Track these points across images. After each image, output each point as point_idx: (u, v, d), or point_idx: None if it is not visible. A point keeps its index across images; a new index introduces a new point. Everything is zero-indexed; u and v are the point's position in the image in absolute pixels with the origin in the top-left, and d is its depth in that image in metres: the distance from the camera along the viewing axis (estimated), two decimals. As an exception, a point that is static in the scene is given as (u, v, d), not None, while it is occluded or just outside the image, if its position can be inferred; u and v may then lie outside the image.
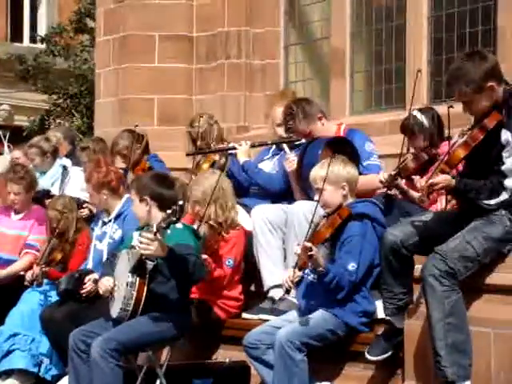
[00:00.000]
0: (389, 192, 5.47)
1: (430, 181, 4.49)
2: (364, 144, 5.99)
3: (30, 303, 6.70)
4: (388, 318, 4.93)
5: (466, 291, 4.44)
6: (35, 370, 6.56)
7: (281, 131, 6.45)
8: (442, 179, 4.48)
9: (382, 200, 5.39)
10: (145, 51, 8.73)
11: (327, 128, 6.18)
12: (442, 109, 5.31)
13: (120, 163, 7.36)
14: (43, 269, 6.55)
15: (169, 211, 4.78)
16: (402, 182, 5.31)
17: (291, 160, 6.10)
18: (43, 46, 20.33)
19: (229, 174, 6.34)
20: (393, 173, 5.30)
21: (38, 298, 6.71)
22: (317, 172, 5.24)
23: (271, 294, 5.84)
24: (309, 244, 4.80)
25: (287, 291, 5.16)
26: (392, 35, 7.80)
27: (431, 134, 5.60)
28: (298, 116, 6.06)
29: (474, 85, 4.43)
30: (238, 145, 6.54)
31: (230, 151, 6.66)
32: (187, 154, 7.08)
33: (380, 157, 6.09)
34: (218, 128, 7.08)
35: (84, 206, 6.91)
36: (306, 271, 5.13)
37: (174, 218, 4.77)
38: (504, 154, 4.42)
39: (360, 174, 5.57)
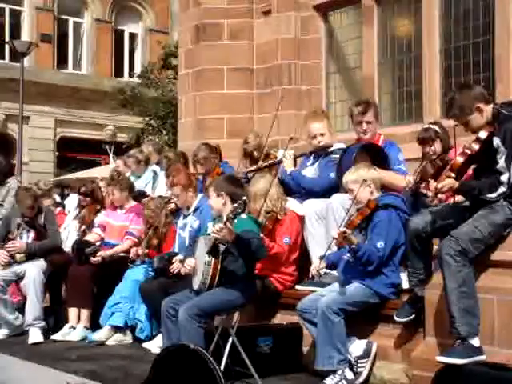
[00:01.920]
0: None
1: (438, 185, 4.48)
2: (398, 154, 5.92)
3: (134, 277, 6.74)
4: (412, 287, 4.84)
5: (475, 266, 4.34)
6: (128, 329, 6.60)
7: (315, 142, 6.34)
8: (447, 182, 4.46)
9: (410, 197, 5.28)
10: (216, 81, 8.73)
11: (376, 132, 6.08)
12: (451, 122, 5.22)
13: (200, 169, 7.39)
14: (145, 251, 6.64)
15: (235, 205, 4.76)
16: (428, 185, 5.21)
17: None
18: (138, 80, 20.58)
19: (280, 180, 6.26)
20: (417, 179, 5.21)
21: (142, 273, 6.76)
22: (347, 177, 5.21)
23: (318, 269, 5.78)
24: (343, 229, 4.79)
25: (313, 277, 5.29)
26: (411, 64, 7.69)
27: (444, 139, 5.51)
28: (375, 109, 6.03)
29: (465, 109, 4.45)
30: (285, 158, 6.46)
31: (278, 164, 6.57)
32: (246, 173, 6.91)
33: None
34: (264, 140, 7.03)
35: (171, 201, 6.92)
36: (346, 254, 5.08)
37: (240, 210, 4.74)
38: (497, 156, 4.38)
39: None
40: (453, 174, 4.48)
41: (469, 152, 4.46)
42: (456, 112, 4.50)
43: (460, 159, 4.48)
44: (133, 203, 7.48)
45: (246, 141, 7.12)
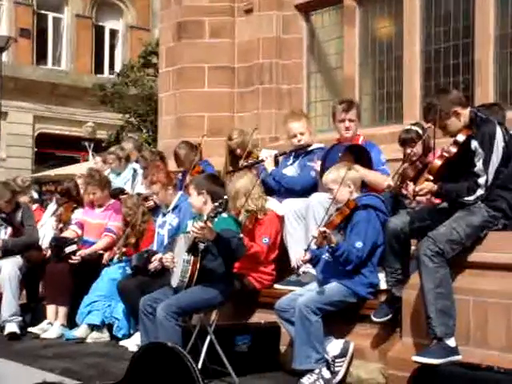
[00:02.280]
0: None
1: (416, 188, 4.53)
2: (380, 155, 5.96)
3: (111, 276, 6.73)
4: (389, 288, 4.89)
5: (452, 267, 4.39)
6: (105, 327, 6.59)
7: (295, 141, 6.37)
8: (425, 186, 4.51)
9: (390, 199, 5.33)
10: (197, 79, 8.71)
11: (357, 132, 6.11)
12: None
13: (180, 167, 7.38)
14: (122, 249, 6.63)
15: (216, 204, 4.78)
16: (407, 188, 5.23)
17: (316, 167, 6.00)
18: (119, 78, 20.51)
19: (262, 180, 6.28)
20: (398, 182, 5.24)
21: (119, 271, 6.74)
22: (327, 177, 5.23)
23: (296, 269, 5.81)
24: (323, 228, 4.79)
25: (297, 268, 5.27)
26: (392, 65, 7.73)
27: (425, 140, 5.56)
28: (358, 109, 6.08)
29: (442, 113, 4.49)
30: (265, 158, 6.48)
31: (259, 164, 6.58)
32: (227, 172, 6.89)
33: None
34: (249, 138, 7.03)
35: (149, 199, 6.91)
36: (325, 254, 5.10)
37: (221, 209, 4.76)
38: (475, 159, 4.42)
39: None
40: (431, 177, 4.53)
41: (447, 155, 4.52)
42: (434, 116, 4.55)
43: (438, 162, 4.53)
44: (111, 201, 7.46)
45: (230, 137, 7.12)
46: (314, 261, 5.29)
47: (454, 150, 4.50)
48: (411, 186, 4.67)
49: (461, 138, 4.49)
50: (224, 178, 6.55)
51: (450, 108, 4.50)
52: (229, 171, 6.89)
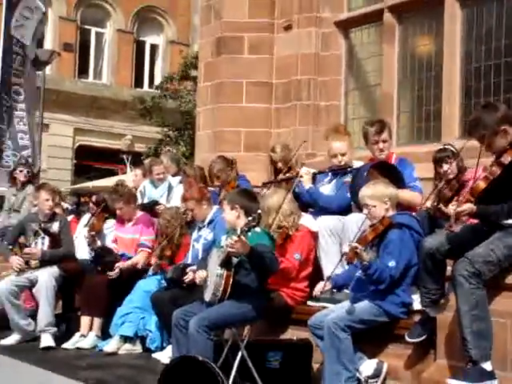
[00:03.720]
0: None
1: (458, 209, 4.43)
2: (412, 171, 5.91)
3: (146, 288, 6.75)
4: (424, 308, 4.81)
5: (489, 289, 4.30)
6: (138, 339, 6.59)
7: (335, 161, 6.34)
8: (467, 207, 4.41)
9: (426, 218, 5.26)
10: (234, 94, 8.75)
11: (389, 151, 6.08)
12: (470, 143, 5.18)
13: (216, 182, 7.40)
14: (157, 261, 6.65)
15: (249, 218, 4.78)
16: (446, 209, 5.11)
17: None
18: (158, 91, 20.70)
19: (296, 196, 6.26)
20: (435, 203, 5.15)
21: (154, 284, 6.76)
22: (364, 192, 5.18)
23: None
24: (354, 244, 4.75)
25: (317, 299, 5.30)
26: (431, 83, 7.67)
27: (460, 159, 5.49)
28: (389, 128, 6.05)
29: (489, 130, 4.36)
30: (304, 174, 6.46)
31: (295, 179, 6.55)
32: (263, 183, 6.91)
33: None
34: (292, 153, 7.03)
35: (187, 211, 6.92)
36: (358, 271, 5.05)
37: (254, 224, 4.75)
38: None
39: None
40: (472, 198, 4.43)
41: (491, 177, 4.41)
42: (481, 132, 4.41)
43: (483, 185, 4.41)
44: (139, 213, 7.49)
45: (274, 150, 7.11)
46: (339, 289, 5.27)
47: (498, 171, 4.40)
48: (451, 206, 4.57)
49: (506, 159, 4.38)
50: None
51: (498, 125, 4.36)
52: (264, 183, 6.90)
